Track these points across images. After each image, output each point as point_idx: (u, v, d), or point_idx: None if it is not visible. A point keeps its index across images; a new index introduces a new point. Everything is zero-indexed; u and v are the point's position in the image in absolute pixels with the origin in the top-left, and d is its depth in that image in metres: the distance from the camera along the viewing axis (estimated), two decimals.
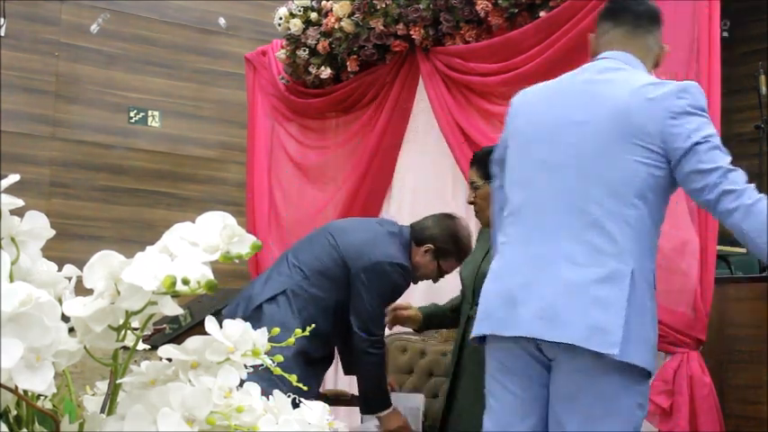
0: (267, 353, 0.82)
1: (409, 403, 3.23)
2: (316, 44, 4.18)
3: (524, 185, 2.15)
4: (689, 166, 2.04)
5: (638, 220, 2.06)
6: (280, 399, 0.82)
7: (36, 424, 0.77)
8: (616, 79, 2.19)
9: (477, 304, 2.91)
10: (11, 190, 0.75)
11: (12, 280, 0.75)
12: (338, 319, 3.06)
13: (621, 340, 1.95)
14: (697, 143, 2.03)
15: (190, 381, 0.77)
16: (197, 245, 0.77)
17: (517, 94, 2.29)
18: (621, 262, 2.02)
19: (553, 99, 2.22)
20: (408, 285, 3.17)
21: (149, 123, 6.01)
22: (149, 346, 0.88)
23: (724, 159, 2.03)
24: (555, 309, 1.99)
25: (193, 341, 0.80)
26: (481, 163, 2.92)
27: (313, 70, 4.25)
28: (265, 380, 0.95)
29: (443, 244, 3.13)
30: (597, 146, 2.09)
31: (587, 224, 2.04)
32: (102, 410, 0.79)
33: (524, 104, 2.25)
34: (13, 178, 0.78)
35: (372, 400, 3.11)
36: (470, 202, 2.95)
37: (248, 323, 0.82)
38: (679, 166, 2.06)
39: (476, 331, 2.12)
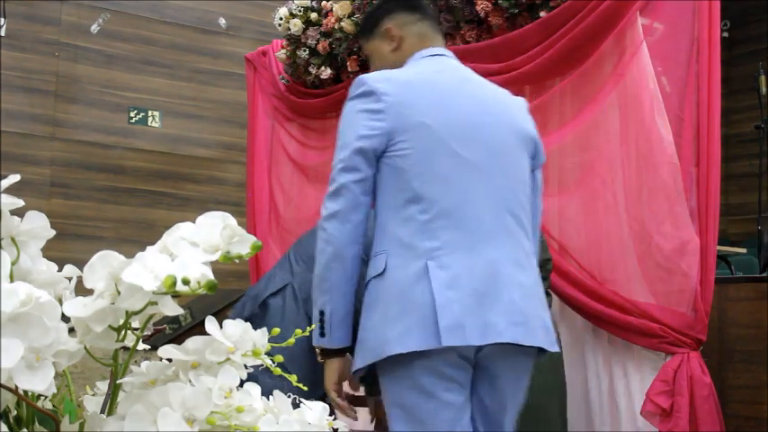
0: (274, 349, 0.82)
1: None
2: (316, 44, 4.18)
3: (449, 184, 2.05)
4: (539, 179, 2.26)
5: (531, 223, 2.19)
6: (280, 399, 0.82)
7: (36, 424, 0.77)
8: (480, 80, 2.25)
9: None
10: (11, 190, 0.75)
11: (12, 280, 0.75)
12: None
13: None
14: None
15: (190, 381, 0.77)
16: (197, 245, 0.77)
17: (379, 81, 2.09)
18: (536, 262, 2.14)
19: (449, 96, 2.15)
20: None
21: (149, 123, 6.02)
22: (149, 347, 0.88)
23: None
24: (523, 314, 2.01)
25: (194, 341, 0.80)
26: None
27: (313, 70, 4.26)
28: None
29: None
30: (507, 147, 2.13)
31: (519, 226, 2.08)
32: (103, 410, 0.79)
33: (412, 98, 2.10)
34: (14, 178, 0.78)
35: None
36: None
37: (248, 323, 0.82)
38: (532, 174, 2.21)
39: (449, 342, 1.92)
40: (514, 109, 2.22)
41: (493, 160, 2.09)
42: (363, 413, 3.32)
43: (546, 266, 2.86)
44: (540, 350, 2.07)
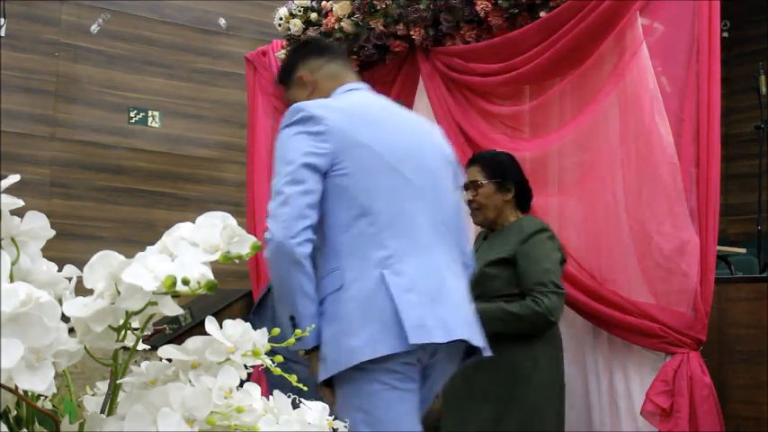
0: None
1: None
2: None
3: (392, 198, 2.20)
4: (460, 198, 2.52)
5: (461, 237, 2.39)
6: (280, 399, 0.82)
7: (36, 424, 0.77)
8: (399, 109, 2.48)
9: None
10: (11, 190, 0.75)
11: (12, 280, 0.75)
12: None
13: None
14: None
15: (190, 381, 0.77)
16: (197, 245, 0.77)
17: (316, 108, 2.22)
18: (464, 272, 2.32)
19: (380, 121, 2.30)
20: None
21: (149, 123, 6.02)
22: (149, 347, 0.88)
23: None
24: (469, 316, 2.19)
25: (193, 341, 0.80)
26: (485, 163, 2.95)
27: None
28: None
29: None
30: (436, 168, 2.32)
31: (451, 238, 2.26)
32: (103, 411, 0.79)
33: (349, 122, 2.23)
34: (14, 178, 0.78)
35: None
36: (470, 201, 2.95)
37: (248, 323, 0.82)
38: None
39: (416, 339, 2.03)
40: (435, 135, 2.43)
41: (426, 178, 2.26)
42: None
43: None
44: (467, 356, 2.25)
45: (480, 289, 2.86)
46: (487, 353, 2.21)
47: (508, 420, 2.76)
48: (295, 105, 2.24)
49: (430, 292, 2.10)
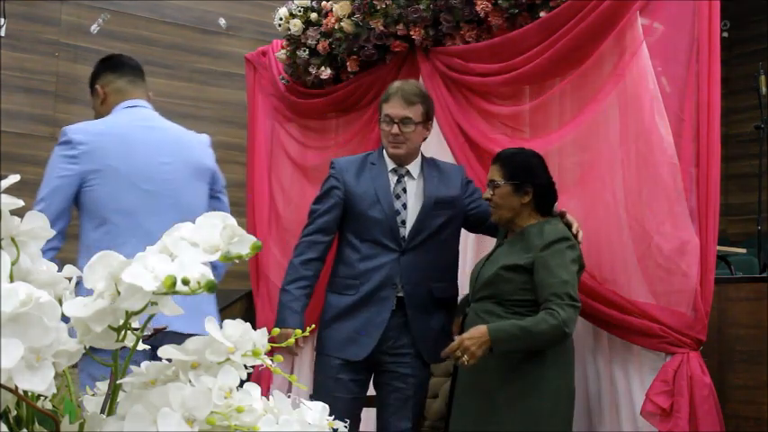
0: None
1: None
2: (316, 44, 4.18)
3: (131, 213, 2.75)
4: (224, 200, 3.07)
5: None
6: (280, 399, 0.82)
7: (36, 424, 0.77)
8: (166, 125, 3.00)
9: (474, 301, 2.93)
10: (11, 190, 0.75)
11: (12, 280, 0.75)
12: None
13: None
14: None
15: (190, 381, 0.77)
16: (197, 245, 0.77)
17: (76, 133, 2.83)
18: None
19: (133, 144, 2.84)
20: None
21: None
22: (149, 347, 0.88)
23: None
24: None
25: (193, 341, 0.80)
26: (505, 162, 2.92)
27: (313, 70, 4.25)
28: None
29: None
30: (181, 180, 2.87)
31: None
32: (102, 411, 0.79)
33: (102, 146, 2.81)
34: (14, 178, 0.78)
35: None
36: (488, 199, 2.95)
37: (248, 324, 0.82)
38: (217, 198, 3.04)
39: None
40: (193, 147, 3.00)
41: (168, 193, 2.81)
42: (364, 413, 3.33)
43: None
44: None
45: (493, 290, 2.85)
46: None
47: (516, 425, 2.75)
48: (63, 129, 2.86)
49: None
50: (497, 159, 2.97)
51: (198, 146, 3.02)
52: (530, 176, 2.91)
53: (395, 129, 3.10)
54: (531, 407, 2.75)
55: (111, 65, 3.08)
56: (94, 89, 3.04)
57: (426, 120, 3.15)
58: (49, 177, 2.78)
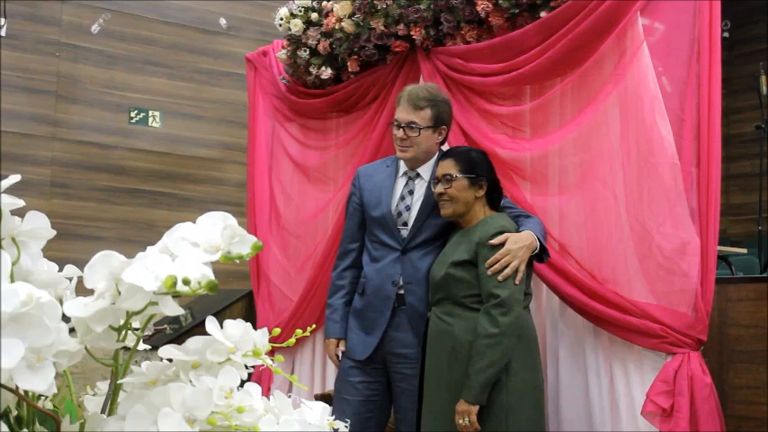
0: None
1: None
2: (316, 44, 4.18)
3: None
4: None
5: None
6: (280, 399, 0.82)
7: (37, 424, 0.77)
8: None
9: (433, 304, 2.95)
10: (12, 190, 0.75)
11: (13, 280, 0.75)
12: None
13: None
14: None
15: (191, 381, 0.77)
16: (198, 245, 0.77)
17: None
18: None
19: None
20: None
21: (150, 124, 6.02)
22: (150, 347, 0.88)
23: None
24: None
25: (194, 341, 0.80)
26: (460, 158, 3.01)
27: (314, 70, 4.25)
28: None
29: None
30: None
31: None
32: (103, 410, 0.79)
33: None
34: (14, 178, 0.78)
35: None
36: (440, 194, 2.98)
37: (249, 324, 0.82)
38: None
39: None
40: None
41: None
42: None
43: None
44: None
45: (446, 291, 2.88)
46: None
47: (484, 422, 2.76)
48: None
49: None
50: (450, 155, 3.06)
51: None
52: (483, 171, 3.00)
53: (401, 133, 3.16)
54: (497, 402, 2.77)
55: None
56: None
57: (437, 124, 3.17)
58: None
